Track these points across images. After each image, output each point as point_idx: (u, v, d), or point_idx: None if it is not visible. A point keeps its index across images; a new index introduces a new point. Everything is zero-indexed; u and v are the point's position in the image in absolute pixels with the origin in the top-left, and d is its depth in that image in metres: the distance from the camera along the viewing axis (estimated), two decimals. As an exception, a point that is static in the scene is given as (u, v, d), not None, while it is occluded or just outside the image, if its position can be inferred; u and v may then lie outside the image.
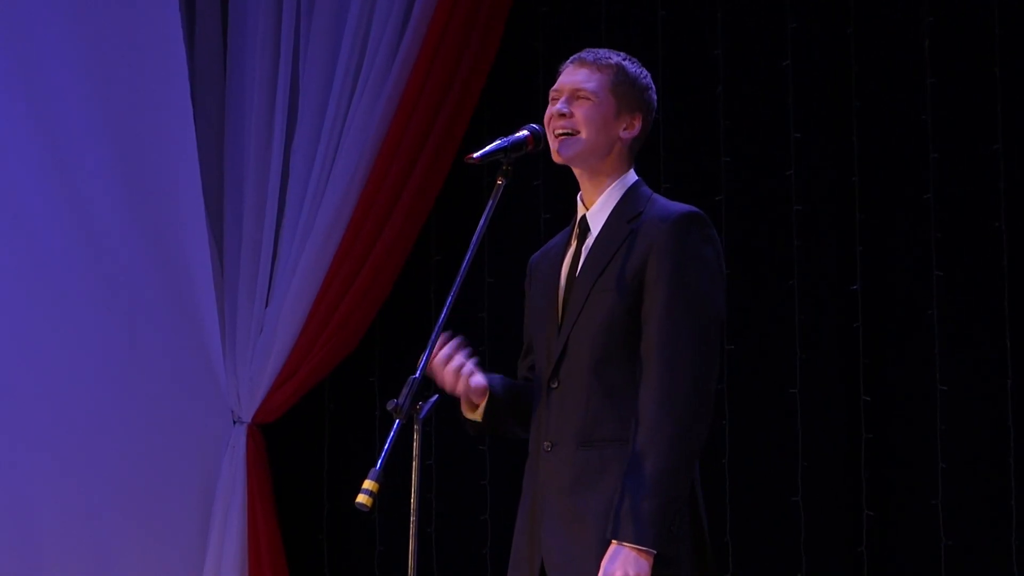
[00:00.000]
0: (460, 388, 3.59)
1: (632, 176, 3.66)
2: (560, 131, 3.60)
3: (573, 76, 3.64)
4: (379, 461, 3.28)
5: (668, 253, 3.49)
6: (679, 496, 3.41)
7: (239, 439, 5.85)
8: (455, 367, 3.57)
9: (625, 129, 3.63)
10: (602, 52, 3.67)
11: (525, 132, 3.64)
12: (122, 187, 5.84)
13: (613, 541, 3.38)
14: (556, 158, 3.63)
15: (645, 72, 3.68)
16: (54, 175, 5.73)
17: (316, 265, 5.75)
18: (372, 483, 3.26)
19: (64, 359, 5.68)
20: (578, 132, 3.59)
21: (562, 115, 3.60)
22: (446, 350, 3.57)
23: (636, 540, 3.35)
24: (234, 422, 5.89)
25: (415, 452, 3.35)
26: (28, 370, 5.61)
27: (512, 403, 3.67)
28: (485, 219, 3.54)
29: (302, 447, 5.99)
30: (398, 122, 5.68)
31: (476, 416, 3.66)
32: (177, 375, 5.87)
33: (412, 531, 3.35)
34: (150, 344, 5.83)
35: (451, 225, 5.80)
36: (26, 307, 5.63)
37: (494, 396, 3.63)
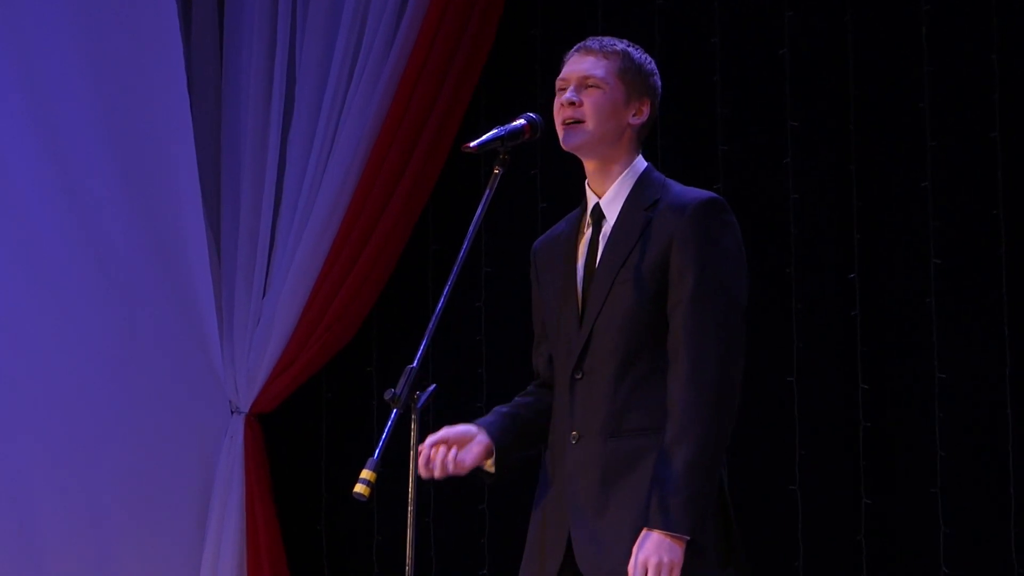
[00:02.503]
0: (462, 471, 3.58)
1: (642, 162, 3.67)
2: (569, 120, 3.60)
3: (580, 64, 3.63)
4: (377, 451, 3.29)
5: (691, 242, 3.51)
6: (711, 484, 3.45)
7: (237, 429, 5.86)
8: (440, 462, 3.54)
9: (634, 115, 3.63)
10: (607, 40, 3.67)
11: (522, 121, 3.64)
12: (119, 178, 5.85)
13: (646, 528, 3.40)
14: (565, 146, 3.63)
15: (649, 58, 3.69)
16: (50, 166, 5.74)
17: (313, 255, 5.76)
18: (370, 473, 3.27)
19: (61, 350, 5.68)
20: (585, 121, 3.59)
21: (572, 104, 3.59)
22: (422, 457, 3.54)
23: (668, 527, 3.38)
24: (232, 412, 5.90)
25: (413, 442, 3.37)
26: (25, 361, 5.62)
27: (518, 439, 3.66)
28: (482, 208, 3.55)
29: (300, 437, 6.00)
30: (395, 110, 5.69)
31: (490, 469, 3.64)
32: (175, 365, 5.87)
33: (410, 521, 3.36)
34: (147, 335, 5.84)
35: (448, 214, 5.80)
36: (23, 298, 5.63)
37: (500, 446, 3.62)
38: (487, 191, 3.56)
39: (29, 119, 5.70)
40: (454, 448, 3.57)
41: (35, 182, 5.70)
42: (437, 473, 3.54)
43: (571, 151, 3.64)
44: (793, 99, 5.23)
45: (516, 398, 3.77)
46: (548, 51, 5.63)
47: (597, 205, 3.66)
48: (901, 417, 5.06)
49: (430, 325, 3.45)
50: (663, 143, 5.35)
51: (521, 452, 3.67)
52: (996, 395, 4.92)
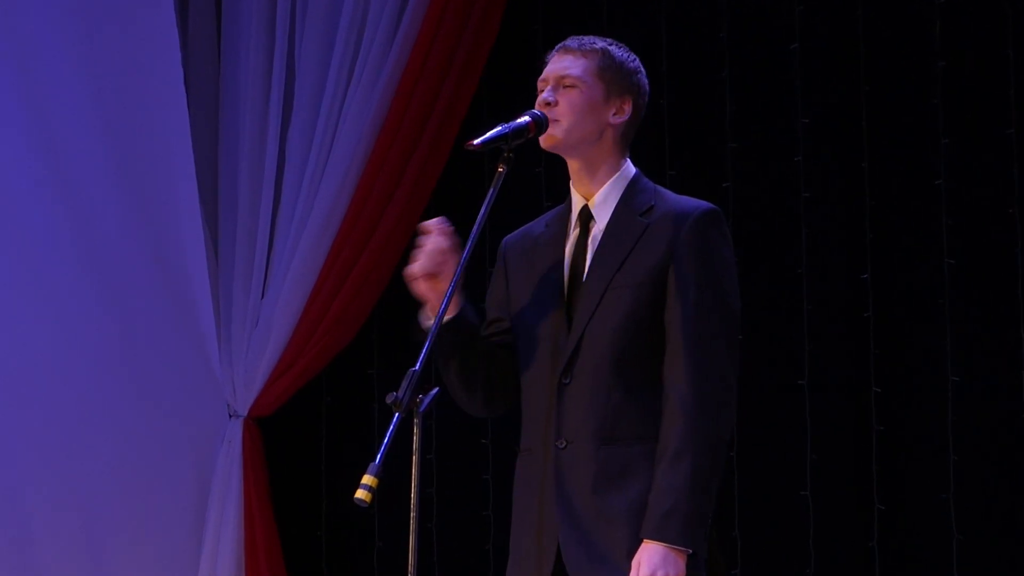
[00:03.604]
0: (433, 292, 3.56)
1: (631, 167, 3.67)
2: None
3: (558, 64, 3.65)
4: (378, 456, 3.27)
5: (693, 251, 3.52)
6: (713, 496, 3.45)
7: (235, 433, 5.84)
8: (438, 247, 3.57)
9: (615, 114, 3.63)
10: (587, 38, 3.68)
11: (527, 118, 3.63)
12: (115, 178, 5.85)
13: (647, 540, 3.40)
14: (542, 146, 3.63)
15: (633, 56, 3.69)
16: (46, 166, 5.73)
17: (313, 255, 5.75)
18: (371, 478, 3.26)
19: (56, 352, 5.68)
20: (559, 120, 3.59)
21: (547, 104, 3.61)
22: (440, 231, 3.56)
23: (672, 540, 3.38)
24: (230, 416, 5.89)
25: (415, 446, 3.35)
26: (21, 363, 5.61)
27: (475, 335, 3.63)
28: (486, 208, 3.54)
29: (299, 441, 5.99)
30: (396, 107, 5.68)
31: (430, 314, 3.58)
32: (172, 368, 5.87)
33: (412, 527, 3.35)
34: (144, 337, 5.83)
35: (451, 213, 5.73)
36: (17, 300, 5.63)
37: (465, 320, 3.59)
38: (491, 190, 3.55)
39: (24, 119, 5.70)
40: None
41: (30, 182, 5.70)
42: (428, 254, 3.57)
43: (548, 150, 3.64)
44: (804, 95, 5.22)
45: None
46: (551, 47, 5.60)
47: (585, 207, 3.66)
48: (914, 421, 5.05)
49: (433, 326, 3.44)
50: (671, 141, 5.34)
51: (466, 345, 3.61)
52: (1011, 399, 4.91)
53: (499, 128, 3.59)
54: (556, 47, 3.70)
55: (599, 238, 3.62)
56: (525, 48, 5.68)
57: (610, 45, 3.67)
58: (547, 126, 3.63)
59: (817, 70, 5.23)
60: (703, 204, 3.60)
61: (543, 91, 3.64)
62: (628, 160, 3.68)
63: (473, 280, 5.53)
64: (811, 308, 5.15)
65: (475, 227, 3.51)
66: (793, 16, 5.25)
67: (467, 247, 3.49)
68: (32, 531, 5.60)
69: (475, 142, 3.58)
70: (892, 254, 5.10)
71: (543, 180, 5.50)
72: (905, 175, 5.11)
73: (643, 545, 3.41)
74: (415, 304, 5.78)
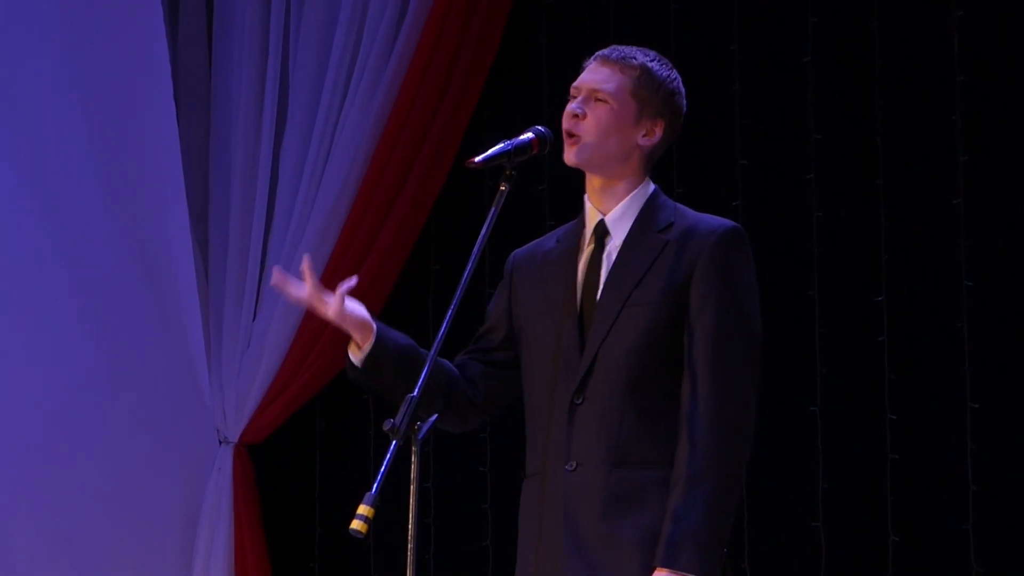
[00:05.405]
0: (328, 306, 3.62)
1: (651, 184, 3.67)
2: (568, 132, 3.60)
3: (594, 75, 3.63)
4: (375, 485, 3.27)
5: (715, 272, 3.53)
6: (729, 525, 3.45)
7: (225, 460, 5.84)
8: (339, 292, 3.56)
9: (644, 136, 3.62)
10: (629, 51, 3.65)
11: (530, 135, 3.63)
12: (102, 191, 5.85)
13: (659, 569, 3.40)
14: (566, 162, 3.63)
15: (675, 75, 3.67)
16: (31, 177, 5.74)
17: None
18: (367, 508, 3.26)
19: (41, 375, 5.67)
20: (582, 136, 3.58)
21: (574, 115, 3.59)
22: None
23: (687, 569, 3.38)
24: (220, 442, 5.89)
25: (413, 475, 3.35)
26: (5, 387, 5.61)
27: (406, 362, 3.58)
28: (487, 227, 3.54)
29: (292, 469, 5.99)
30: (394, 121, 5.68)
31: (357, 357, 3.58)
32: (160, 392, 5.86)
33: (410, 559, 3.35)
34: (132, 360, 5.83)
35: (451, 232, 5.79)
36: (3, 321, 5.63)
37: (383, 343, 3.57)
38: (492, 209, 3.55)
39: (8, 129, 5.70)
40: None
41: (14, 197, 5.70)
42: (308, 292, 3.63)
43: (574, 167, 3.64)
44: (817, 110, 5.22)
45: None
46: (555, 58, 5.63)
47: (601, 222, 3.66)
48: (931, 449, 5.04)
49: (432, 351, 3.44)
50: (678, 156, 5.35)
51: (396, 371, 3.58)
52: (1032, 426, 4.92)
53: (501, 145, 3.60)
54: (595, 54, 3.67)
55: (615, 254, 3.62)
56: (528, 60, 5.69)
57: (651, 61, 3.64)
58: (550, 143, 3.63)
59: (831, 84, 5.24)
60: (726, 222, 3.60)
61: (574, 99, 3.63)
62: (649, 178, 3.67)
63: (474, 302, 5.56)
64: (824, 331, 5.16)
65: (476, 247, 3.50)
66: (806, 28, 5.26)
67: (468, 268, 3.49)
68: (16, 559, 5.60)
69: (476, 159, 3.58)
70: (908, 276, 5.10)
71: (546, 198, 5.51)
72: (922, 194, 5.11)
73: (654, 574, 3.41)
74: (413, 328, 5.79)
